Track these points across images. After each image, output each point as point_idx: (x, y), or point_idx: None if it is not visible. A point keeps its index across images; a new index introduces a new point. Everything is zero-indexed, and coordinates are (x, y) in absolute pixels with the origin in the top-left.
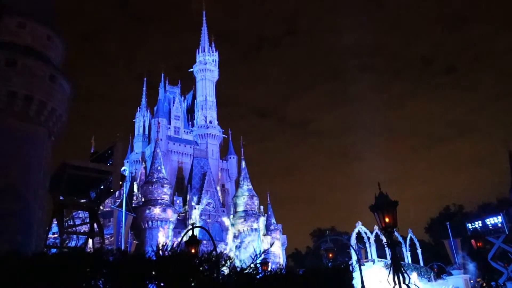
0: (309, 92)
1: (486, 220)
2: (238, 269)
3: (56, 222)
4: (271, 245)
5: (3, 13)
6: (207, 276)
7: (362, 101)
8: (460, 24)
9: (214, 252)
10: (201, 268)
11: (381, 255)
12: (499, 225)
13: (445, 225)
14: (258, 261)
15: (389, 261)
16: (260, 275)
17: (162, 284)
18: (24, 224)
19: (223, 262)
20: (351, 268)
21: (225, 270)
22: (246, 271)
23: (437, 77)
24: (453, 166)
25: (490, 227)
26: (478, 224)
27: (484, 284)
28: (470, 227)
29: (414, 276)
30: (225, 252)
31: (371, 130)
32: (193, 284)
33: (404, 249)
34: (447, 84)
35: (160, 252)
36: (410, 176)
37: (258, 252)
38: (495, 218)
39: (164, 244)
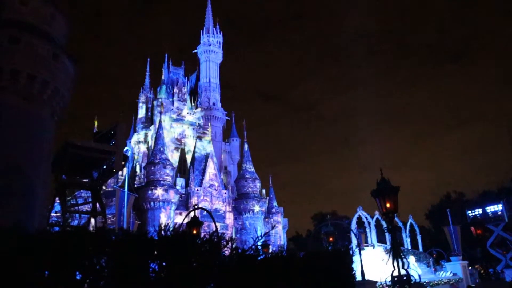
0: (313, 77)
1: (486, 208)
2: (240, 251)
3: (58, 201)
4: (273, 227)
5: None
6: (209, 256)
7: (367, 87)
8: (467, 10)
9: (211, 233)
10: (202, 249)
11: (381, 240)
12: (499, 213)
13: (445, 212)
14: (259, 243)
15: (388, 246)
16: (261, 257)
17: (164, 264)
18: (27, 203)
19: (225, 243)
20: (351, 252)
21: (227, 251)
22: (248, 253)
23: (443, 64)
24: (455, 153)
25: (490, 215)
26: (478, 211)
27: (482, 271)
28: (470, 214)
29: (412, 260)
30: (223, 233)
31: (375, 116)
32: (194, 264)
33: (404, 235)
34: (453, 71)
35: (162, 232)
36: (413, 162)
37: (259, 235)
38: (495, 206)
39: (166, 224)
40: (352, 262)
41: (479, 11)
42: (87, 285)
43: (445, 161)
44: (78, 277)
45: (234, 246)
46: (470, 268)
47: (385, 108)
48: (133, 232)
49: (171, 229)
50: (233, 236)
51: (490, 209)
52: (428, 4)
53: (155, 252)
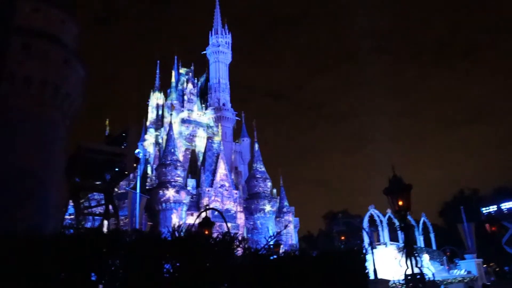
0: (323, 75)
1: (501, 205)
2: (253, 251)
3: (72, 204)
4: (285, 227)
5: None
6: (222, 257)
7: (377, 84)
8: (477, 6)
9: (224, 233)
10: (216, 249)
11: (393, 238)
12: None
13: (459, 209)
14: (271, 242)
15: (401, 245)
16: (274, 256)
17: (177, 264)
18: (41, 205)
19: (238, 244)
20: (364, 250)
21: (240, 251)
22: (260, 252)
23: (454, 60)
24: (468, 149)
25: (505, 212)
26: (493, 208)
27: (497, 269)
28: (485, 211)
29: (425, 258)
30: (236, 233)
31: (386, 113)
32: (207, 264)
33: (417, 233)
34: (464, 67)
35: (176, 233)
36: (425, 159)
37: (271, 234)
38: (510, 203)
39: (179, 225)
40: (365, 260)
41: (489, 9)
42: (102, 286)
43: (458, 158)
44: (93, 278)
45: (246, 246)
46: (485, 266)
47: (395, 106)
48: (146, 234)
49: (183, 230)
50: (245, 236)
51: (505, 205)
52: (436, 2)
53: (168, 253)
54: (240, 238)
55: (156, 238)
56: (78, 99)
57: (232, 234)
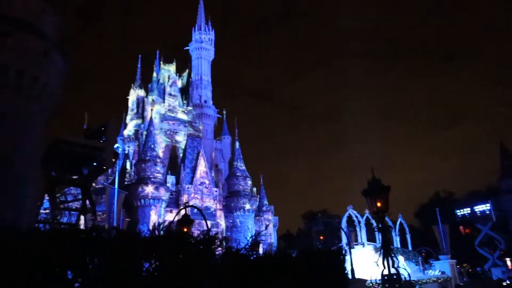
0: (306, 75)
1: (474, 207)
2: (234, 250)
3: (48, 198)
4: (266, 227)
5: None
6: (203, 255)
7: (359, 86)
8: (460, 11)
9: (206, 232)
10: (196, 248)
11: (370, 238)
12: (487, 212)
13: (434, 211)
14: (249, 240)
15: (378, 245)
16: (254, 255)
17: (156, 263)
18: (16, 199)
19: (218, 243)
20: (343, 251)
21: (220, 250)
22: (241, 252)
23: (436, 64)
24: (445, 153)
25: (479, 214)
26: (466, 211)
27: (470, 269)
28: (459, 213)
29: (401, 259)
30: (217, 232)
31: (367, 115)
32: (187, 263)
33: (393, 234)
34: (445, 71)
35: (156, 231)
36: (403, 161)
37: (250, 233)
38: (483, 206)
39: (160, 223)
40: (345, 261)
41: (473, 11)
42: (79, 284)
43: (435, 160)
44: (69, 277)
45: (227, 245)
46: (458, 267)
47: (376, 108)
48: (125, 231)
49: (161, 228)
50: (224, 234)
51: (479, 208)
52: (421, 4)
53: (148, 252)
54: (222, 237)
55: (135, 236)
56: (57, 91)
57: (212, 233)
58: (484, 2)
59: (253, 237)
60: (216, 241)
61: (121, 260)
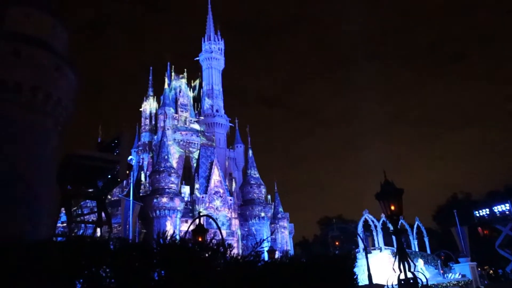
0: (316, 81)
1: (493, 208)
2: (240, 257)
3: (64, 212)
4: (272, 233)
5: (8, 3)
6: (208, 264)
7: (370, 89)
8: (467, 10)
9: (213, 241)
10: (202, 256)
11: (388, 242)
12: (507, 212)
13: (452, 212)
14: (266, 249)
15: (395, 249)
16: (261, 263)
17: (162, 273)
18: (32, 214)
19: (222, 250)
20: (352, 256)
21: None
22: (247, 259)
23: (446, 65)
24: (461, 154)
25: (498, 215)
26: (485, 211)
27: (491, 272)
28: (478, 214)
29: (420, 263)
30: (232, 241)
31: (379, 119)
32: (194, 272)
33: (411, 237)
34: (456, 71)
35: (161, 240)
36: (418, 164)
37: (266, 240)
38: (502, 206)
39: (164, 232)
40: (354, 266)
41: (480, 11)
42: None
43: (451, 162)
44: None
45: (232, 253)
46: (479, 269)
47: (388, 111)
48: (131, 241)
49: (168, 237)
50: (240, 243)
51: (498, 208)
52: (427, 6)
53: (154, 261)
54: (226, 244)
55: (141, 246)
56: (70, 105)
57: (217, 241)
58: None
59: (258, 244)
60: (220, 248)
61: (126, 271)
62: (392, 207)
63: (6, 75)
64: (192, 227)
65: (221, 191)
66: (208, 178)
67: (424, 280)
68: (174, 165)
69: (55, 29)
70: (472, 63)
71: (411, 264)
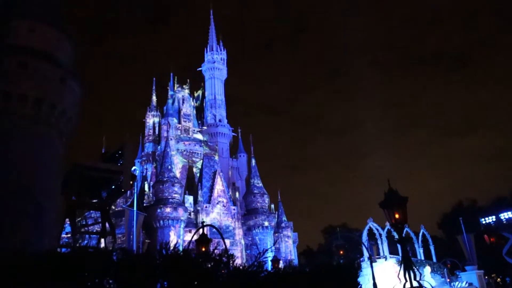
0: (319, 89)
1: (500, 215)
2: (241, 268)
3: (68, 222)
4: (275, 242)
5: (13, 17)
6: (211, 274)
7: (373, 98)
8: (470, 18)
9: (216, 251)
10: (205, 266)
11: (393, 251)
12: None
13: (458, 220)
14: (269, 259)
15: (401, 257)
16: (264, 273)
17: (165, 284)
18: (36, 224)
19: (226, 260)
20: (356, 265)
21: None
22: (250, 269)
23: (449, 72)
24: (465, 161)
25: (504, 222)
26: (491, 219)
27: (499, 280)
28: (484, 222)
29: (427, 272)
30: (236, 250)
31: (382, 126)
32: (196, 282)
33: (416, 245)
34: (459, 79)
35: (163, 250)
36: (423, 171)
37: (269, 250)
38: (509, 213)
39: (167, 243)
40: (357, 275)
41: (482, 18)
42: None
43: (456, 169)
44: None
45: (236, 263)
46: (486, 277)
47: (391, 119)
48: (135, 252)
49: (171, 247)
50: (244, 253)
51: (504, 215)
52: (430, 13)
53: (157, 272)
54: (228, 254)
55: (144, 257)
56: (74, 116)
57: (220, 251)
58: (494, 6)
59: (261, 254)
60: (223, 258)
61: (130, 281)
62: (397, 215)
63: (12, 87)
64: (195, 237)
65: (225, 200)
66: (211, 188)
67: None
68: (178, 175)
69: (60, 42)
70: (475, 70)
71: (417, 272)
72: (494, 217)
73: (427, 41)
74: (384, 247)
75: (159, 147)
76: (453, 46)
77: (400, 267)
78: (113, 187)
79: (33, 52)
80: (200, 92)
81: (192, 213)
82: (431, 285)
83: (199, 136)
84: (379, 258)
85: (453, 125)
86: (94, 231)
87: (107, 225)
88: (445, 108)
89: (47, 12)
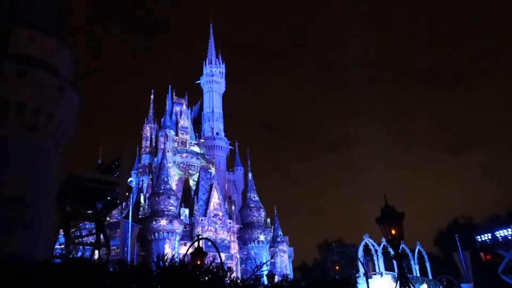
0: (316, 104)
1: (495, 233)
2: (239, 281)
3: (63, 233)
4: (272, 256)
5: (13, 26)
6: (208, 286)
7: (370, 114)
8: (467, 37)
9: (214, 264)
10: (201, 280)
11: (389, 267)
12: (509, 237)
13: (453, 237)
14: (265, 273)
15: (397, 274)
16: (261, 286)
17: None
18: (30, 234)
19: (222, 274)
20: (352, 281)
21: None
22: (247, 283)
23: (445, 90)
24: (461, 177)
25: (500, 240)
26: (487, 236)
27: None
28: (480, 239)
29: None
30: (231, 264)
31: (379, 143)
32: None
33: (412, 262)
34: (455, 96)
35: (161, 262)
36: (419, 188)
37: (266, 263)
38: (504, 231)
39: (164, 255)
40: None
41: (478, 37)
42: None
43: (452, 186)
44: None
45: (232, 277)
46: None
47: (388, 135)
48: (130, 264)
49: (169, 260)
50: (239, 267)
51: (500, 233)
52: (427, 32)
53: (154, 283)
54: (226, 268)
55: (140, 269)
56: (72, 127)
57: (217, 264)
58: (491, 24)
59: (258, 268)
60: (220, 272)
61: None
62: (393, 231)
63: (10, 95)
64: (191, 250)
65: (221, 214)
66: (207, 201)
67: None
68: (174, 187)
69: (60, 52)
70: (471, 88)
71: None
72: (489, 234)
73: (424, 59)
74: (380, 263)
75: (156, 159)
76: (451, 64)
77: (396, 284)
78: (108, 198)
79: (32, 61)
80: (198, 104)
81: (187, 226)
82: None
83: (196, 149)
84: (375, 274)
85: (450, 142)
86: (88, 242)
87: (101, 236)
88: (442, 125)
89: (47, 21)
